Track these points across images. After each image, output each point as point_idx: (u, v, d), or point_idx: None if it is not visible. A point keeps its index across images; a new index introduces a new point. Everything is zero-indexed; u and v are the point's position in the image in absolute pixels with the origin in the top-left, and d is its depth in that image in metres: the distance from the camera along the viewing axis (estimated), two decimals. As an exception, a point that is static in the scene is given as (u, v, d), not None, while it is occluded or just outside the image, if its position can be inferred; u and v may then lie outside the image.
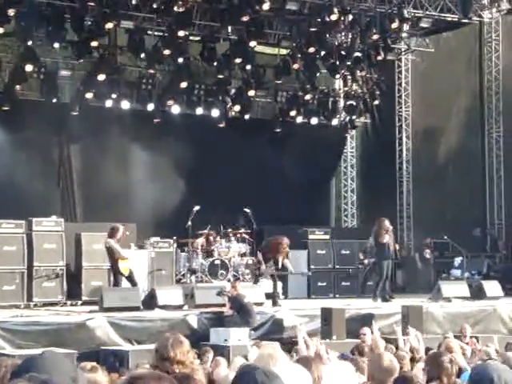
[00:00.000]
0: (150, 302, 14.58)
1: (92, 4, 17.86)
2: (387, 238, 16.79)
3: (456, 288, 17.32)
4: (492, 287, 17.45)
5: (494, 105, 22.44)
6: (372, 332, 11.74)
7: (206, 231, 18.23)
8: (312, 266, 19.27)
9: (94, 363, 5.58)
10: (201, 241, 18.09)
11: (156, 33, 19.32)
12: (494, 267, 21.17)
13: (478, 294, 17.17)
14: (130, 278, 15.15)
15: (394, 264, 17.24)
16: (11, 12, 16.74)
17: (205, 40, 19.85)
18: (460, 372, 6.63)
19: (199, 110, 20.48)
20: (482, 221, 22.28)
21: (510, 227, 21.78)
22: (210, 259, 17.95)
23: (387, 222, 17.07)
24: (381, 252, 16.96)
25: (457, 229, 21.29)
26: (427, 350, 9.77)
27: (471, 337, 13.15)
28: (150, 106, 19.72)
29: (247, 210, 18.47)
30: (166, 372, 4.63)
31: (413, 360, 8.90)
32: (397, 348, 9.99)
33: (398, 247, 17.95)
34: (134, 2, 18.24)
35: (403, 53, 23.39)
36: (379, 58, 21.33)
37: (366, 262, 18.60)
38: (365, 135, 24.49)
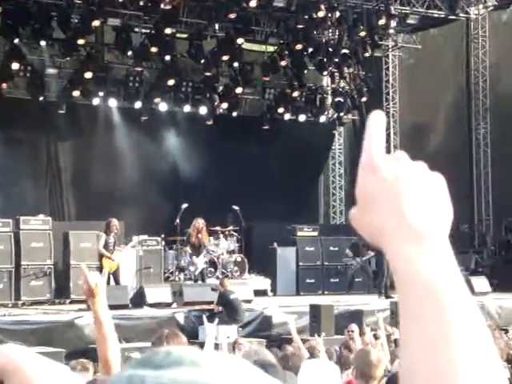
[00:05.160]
0: (139, 300, 14.57)
1: (79, 1, 17.82)
2: None
3: (444, 284, 17.34)
4: (480, 283, 17.51)
5: (481, 101, 22.50)
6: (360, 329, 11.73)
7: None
8: (300, 263, 19.28)
9: (82, 360, 5.50)
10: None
11: (143, 30, 19.28)
12: (482, 263, 21.25)
13: (465, 289, 17.20)
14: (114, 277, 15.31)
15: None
16: (-3, 10, 16.69)
17: (192, 37, 19.81)
18: None
19: (187, 108, 20.44)
20: (469, 217, 22.35)
21: (497, 223, 21.86)
22: (199, 257, 17.95)
23: None
24: None
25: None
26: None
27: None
28: (138, 104, 19.67)
29: (235, 207, 18.46)
30: None
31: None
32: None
33: None
34: (120, 0, 18.21)
35: (390, 49, 23.43)
36: (366, 54, 21.37)
37: (353, 261, 18.31)
38: (352, 132, 24.50)
